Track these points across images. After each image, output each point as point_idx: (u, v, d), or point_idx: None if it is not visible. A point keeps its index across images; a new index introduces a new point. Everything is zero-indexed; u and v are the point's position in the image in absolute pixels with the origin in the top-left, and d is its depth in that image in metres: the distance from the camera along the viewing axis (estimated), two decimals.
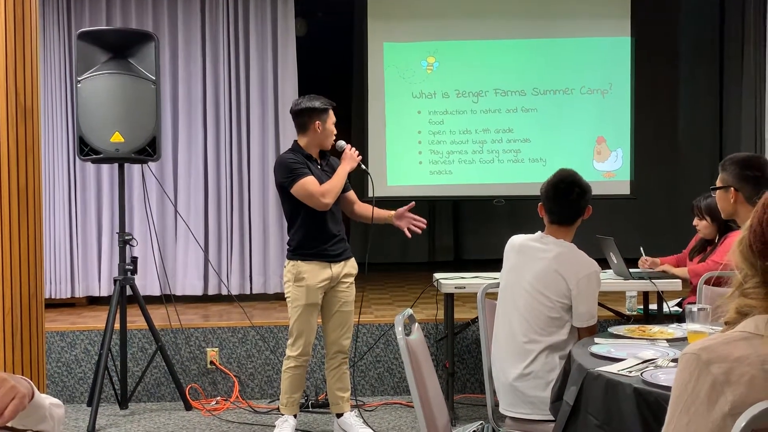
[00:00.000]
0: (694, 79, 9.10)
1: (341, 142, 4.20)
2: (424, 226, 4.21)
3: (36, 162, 3.72)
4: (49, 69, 6.03)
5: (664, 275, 4.51)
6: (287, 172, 3.99)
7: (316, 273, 4.01)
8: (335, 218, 4.10)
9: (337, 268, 4.08)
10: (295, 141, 4.15)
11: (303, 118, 4.07)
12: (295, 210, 4.04)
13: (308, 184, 3.95)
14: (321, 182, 4.00)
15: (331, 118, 4.10)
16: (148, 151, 4.67)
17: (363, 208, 4.28)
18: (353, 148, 4.16)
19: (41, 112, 5.35)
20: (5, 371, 3.50)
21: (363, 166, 4.21)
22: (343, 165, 4.08)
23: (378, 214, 4.21)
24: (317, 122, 4.05)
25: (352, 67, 8.55)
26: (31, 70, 3.67)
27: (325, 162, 4.17)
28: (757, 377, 1.33)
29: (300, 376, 4.12)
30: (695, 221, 4.58)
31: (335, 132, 4.15)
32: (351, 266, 4.17)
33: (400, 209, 4.18)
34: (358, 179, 4.84)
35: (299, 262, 4.03)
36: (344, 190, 4.17)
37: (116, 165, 4.94)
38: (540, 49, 7.12)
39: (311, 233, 4.02)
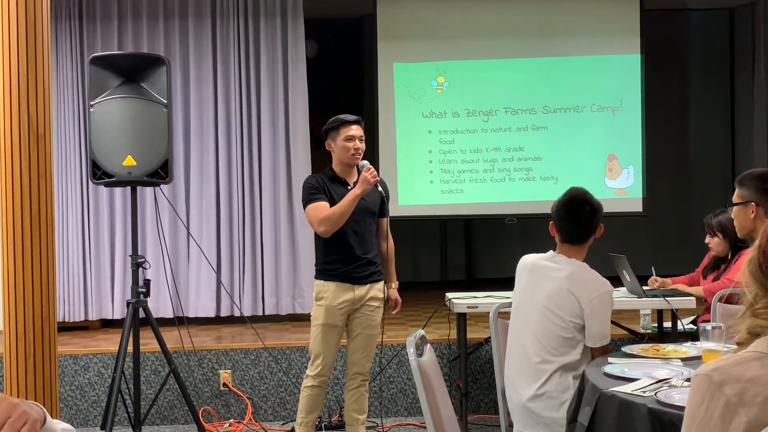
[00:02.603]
0: (705, 94, 9.09)
1: (363, 163, 3.98)
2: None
3: (48, 187, 3.75)
4: (62, 94, 6.09)
5: (678, 293, 4.48)
6: (304, 195, 4.01)
7: (337, 294, 3.97)
8: (363, 241, 4.00)
9: (361, 291, 4.00)
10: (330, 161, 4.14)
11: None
12: None
13: (313, 209, 3.92)
14: None
15: (343, 134, 3.96)
16: (161, 173, 4.69)
17: (386, 248, 4.16)
18: (371, 169, 3.90)
19: (54, 136, 5.40)
20: (18, 395, 3.51)
21: (380, 188, 3.99)
22: (355, 188, 3.89)
23: (387, 270, 4.17)
24: (327, 141, 4.05)
25: (362, 88, 8.59)
26: (44, 97, 3.70)
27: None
28: None
29: (317, 396, 4.07)
30: (707, 239, 4.56)
31: (355, 147, 3.95)
32: (378, 289, 4.06)
33: (395, 302, 4.16)
34: None
35: (321, 281, 4.01)
36: (382, 214, 4.12)
37: (129, 188, 4.97)
38: (550, 67, 7.13)
39: (333, 254, 3.99)
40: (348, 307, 4.00)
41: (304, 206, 3.99)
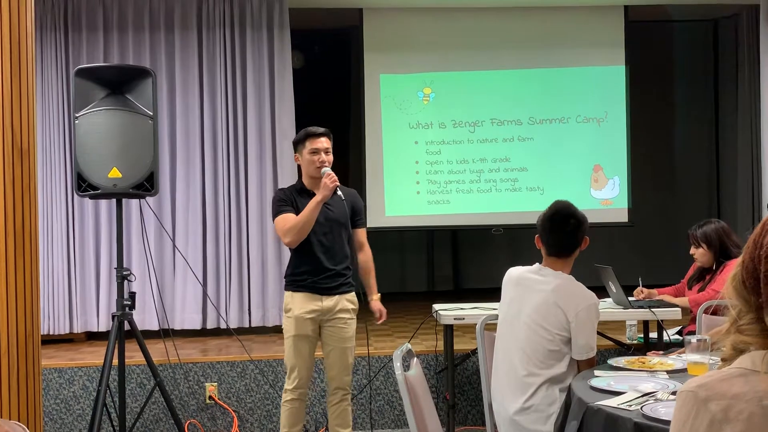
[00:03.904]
0: (689, 105, 9.15)
1: (324, 170, 3.91)
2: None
3: (32, 202, 3.71)
4: (47, 105, 6.06)
5: (664, 304, 4.50)
6: (272, 208, 4.05)
7: (304, 304, 3.95)
8: (331, 252, 3.98)
9: (329, 302, 3.97)
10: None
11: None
12: None
13: (280, 221, 3.93)
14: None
15: (308, 147, 3.93)
16: (146, 186, 4.67)
17: (363, 259, 4.13)
18: (331, 175, 3.84)
19: (39, 148, 5.37)
20: (0, 414, 3.46)
21: (339, 193, 3.90)
22: (316, 196, 3.86)
23: (367, 282, 4.13)
24: (296, 155, 4.07)
25: (349, 99, 8.60)
26: (28, 111, 3.67)
27: (331, 196, 3.90)
28: (755, 414, 1.32)
29: (297, 409, 4.05)
30: (692, 250, 4.58)
31: (321, 160, 3.92)
32: (348, 300, 4.03)
33: (379, 312, 4.12)
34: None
35: (290, 292, 4.01)
36: (356, 225, 4.10)
37: (114, 200, 4.95)
38: (535, 78, 7.16)
39: (301, 265, 3.98)
40: (317, 316, 3.96)
41: (274, 218, 4.00)
